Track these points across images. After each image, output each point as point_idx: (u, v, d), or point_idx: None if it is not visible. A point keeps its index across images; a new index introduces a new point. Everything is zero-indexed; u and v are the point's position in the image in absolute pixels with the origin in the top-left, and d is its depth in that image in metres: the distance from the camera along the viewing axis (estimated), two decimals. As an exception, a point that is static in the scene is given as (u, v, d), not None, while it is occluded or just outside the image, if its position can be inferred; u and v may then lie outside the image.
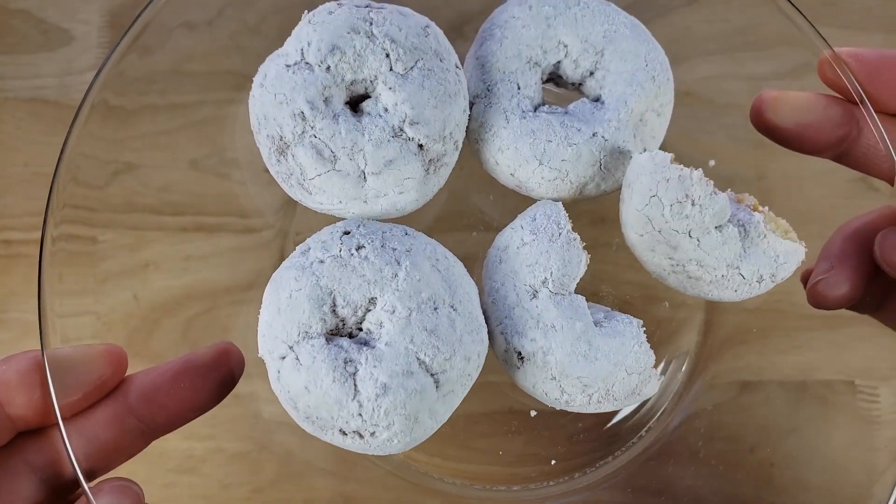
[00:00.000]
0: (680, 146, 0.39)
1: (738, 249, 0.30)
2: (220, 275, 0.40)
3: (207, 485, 0.37)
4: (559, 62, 0.33)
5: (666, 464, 0.41)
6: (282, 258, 0.42)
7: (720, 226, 0.30)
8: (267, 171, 0.43)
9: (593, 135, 0.32)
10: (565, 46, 0.33)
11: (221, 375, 0.28)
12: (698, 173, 0.29)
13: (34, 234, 0.46)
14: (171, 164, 0.45)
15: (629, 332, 0.30)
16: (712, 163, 0.42)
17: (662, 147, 0.35)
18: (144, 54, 0.46)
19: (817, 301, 0.31)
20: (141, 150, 0.46)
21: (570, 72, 0.33)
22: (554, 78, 0.35)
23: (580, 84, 0.34)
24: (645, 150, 0.33)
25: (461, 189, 0.33)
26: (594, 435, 0.41)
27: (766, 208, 0.32)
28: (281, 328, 0.28)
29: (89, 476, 0.26)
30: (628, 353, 0.30)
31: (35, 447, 0.25)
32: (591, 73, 0.33)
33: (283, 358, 0.28)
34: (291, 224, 0.43)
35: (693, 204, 0.29)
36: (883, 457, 0.40)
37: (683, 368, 0.43)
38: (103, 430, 0.25)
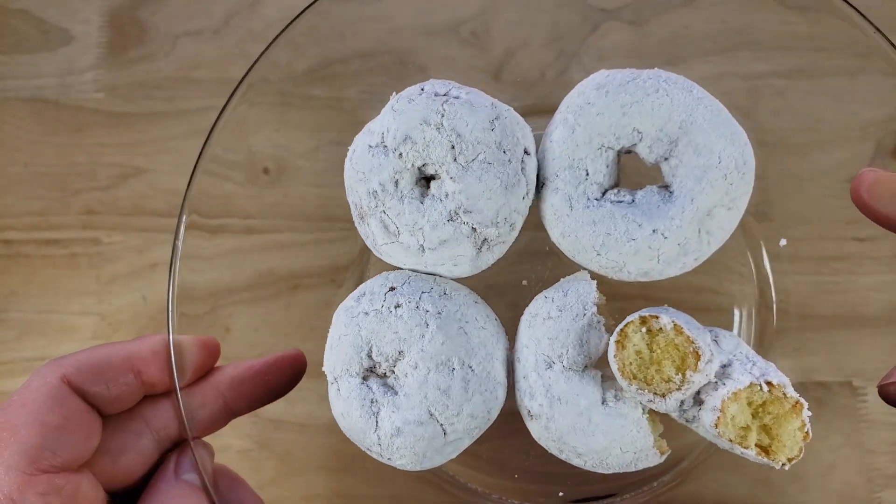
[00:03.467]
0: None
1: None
2: (223, 275, 0.43)
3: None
4: (634, 145, 0.34)
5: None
6: (281, 260, 0.44)
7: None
8: (266, 172, 0.45)
9: (653, 231, 0.33)
10: (639, 133, 0.33)
11: (292, 375, 0.37)
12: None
13: (34, 234, 0.48)
14: (179, 168, 0.48)
15: (631, 416, 0.33)
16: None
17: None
18: (152, 60, 0.48)
19: (886, 397, 0.32)
20: (150, 154, 0.48)
21: (644, 155, 0.34)
22: (632, 152, 0.35)
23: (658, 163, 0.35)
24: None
25: (519, 238, 0.36)
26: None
27: (801, 402, 0.31)
28: (331, 362, 0.35)
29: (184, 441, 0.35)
30: (626, 435, 0.33)
31: (151, 412, 0.34)
32: (666, 159, 0.34)
33: (331, 384, 0.36)
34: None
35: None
36: (879, 458, 0.42)
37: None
38: (199, 408, 0.34)
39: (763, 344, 0.44)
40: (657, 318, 0.31)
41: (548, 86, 0.46)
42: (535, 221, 0.36)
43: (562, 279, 0.36)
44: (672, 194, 0.33)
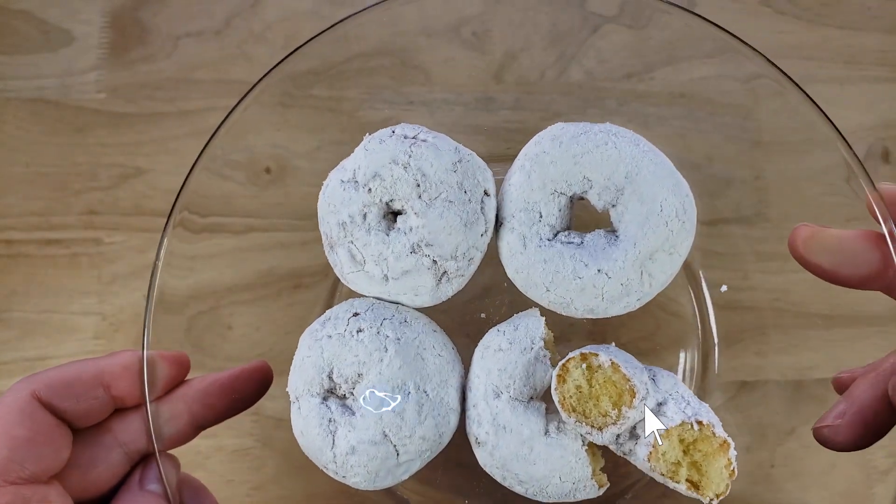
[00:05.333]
0: (676, 147, 0.41)
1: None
2: (223, 275, 0.43)
3: (212, 480, 0.39)
4: (585, 192, 0.37)
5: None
6: (282, 259, 0.45)
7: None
8: (267, 172, 0.46)
9: (598, 271, 0.36)
10: (589, 181, 0.37)
11: (258, 386, 0.38)
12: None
13: (35, 234, 0.49)
14: (179, 169, 0.48)
15: (571, 448, 0.35)
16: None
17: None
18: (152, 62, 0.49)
19: (820, 441, 0.34)
20: (151, 155, 0.48)
21: (594, 201, 0.37)
22: (584, 199, 0.39)
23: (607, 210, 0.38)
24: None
25: (479, 273, 0.38)
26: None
27: (728, 445, 0.33)
28: (293, 382, 0.37)
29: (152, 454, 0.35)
30: (565, 465, 0.35)
31: (121, 426, 0.35)
32: (614, 206, 0.37)
33: (293, 403, 0.38)
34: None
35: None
36: (880, 456, 0.42)
37: (681, 369, 0.46)
38: (168, 421, 0.35)
39: (762, 341, 0.45)
40: (597, 355, 0.34)
41: (548, 87, 0.47)
42: (494, 258, 0.38)
43: (515, 314, 0.39)
44: (618, 238, 0.37)
